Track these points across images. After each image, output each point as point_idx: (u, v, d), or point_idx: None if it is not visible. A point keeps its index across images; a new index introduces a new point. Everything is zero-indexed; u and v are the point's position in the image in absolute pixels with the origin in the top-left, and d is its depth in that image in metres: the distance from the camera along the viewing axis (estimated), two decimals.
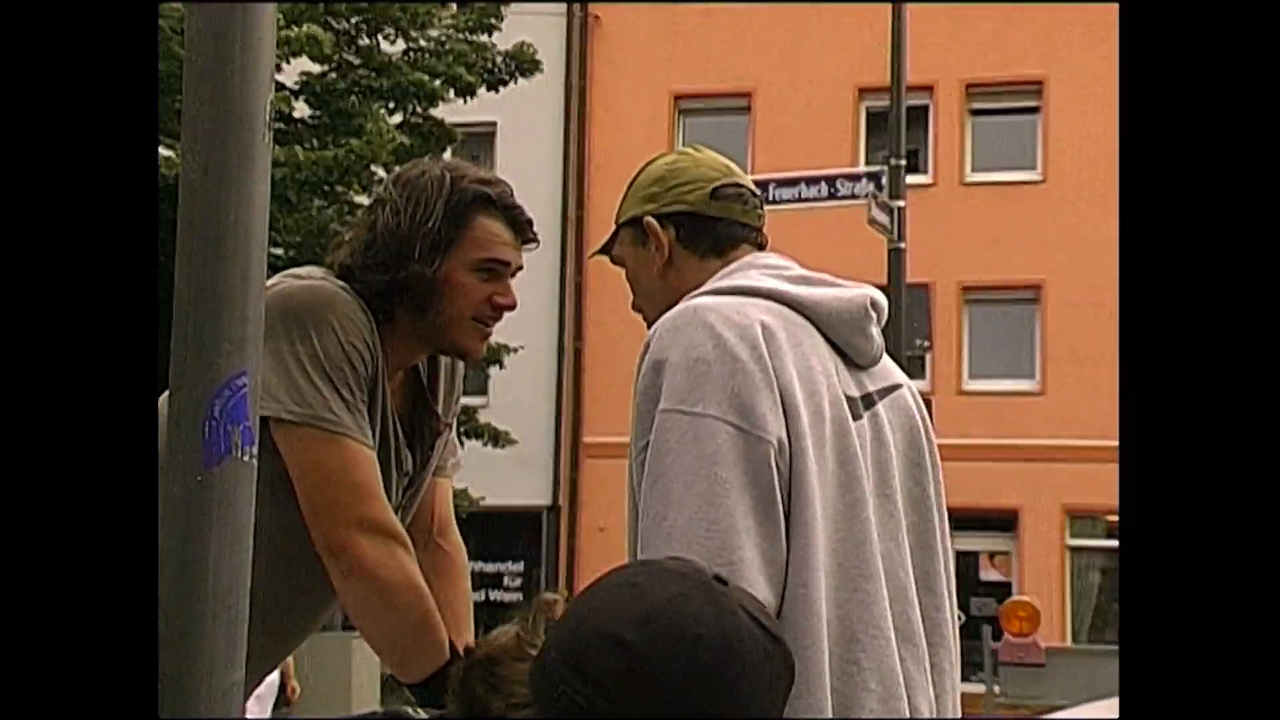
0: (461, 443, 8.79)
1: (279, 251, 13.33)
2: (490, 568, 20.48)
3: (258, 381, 1.41)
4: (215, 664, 1.37)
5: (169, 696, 1.35)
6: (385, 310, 2.28)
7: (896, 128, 12.01)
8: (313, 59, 14.60)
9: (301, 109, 15.26)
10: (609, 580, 1.62)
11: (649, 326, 1.98)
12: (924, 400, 2.20)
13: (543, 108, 20.77)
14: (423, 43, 15.80)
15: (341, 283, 2.27)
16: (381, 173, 14.28)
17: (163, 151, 9.54)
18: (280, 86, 13.83)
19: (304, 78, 15.31)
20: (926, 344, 13.31)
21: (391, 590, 2.18)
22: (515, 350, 16.80)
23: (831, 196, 12.06)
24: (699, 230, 2.07)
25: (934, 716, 1.95)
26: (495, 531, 19.49)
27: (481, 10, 15.90)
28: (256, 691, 6.49)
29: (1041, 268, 19.35)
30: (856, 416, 1.94)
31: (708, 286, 1.99)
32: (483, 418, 17.55)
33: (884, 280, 11.34)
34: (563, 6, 20.99)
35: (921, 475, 2.05)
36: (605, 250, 2.18)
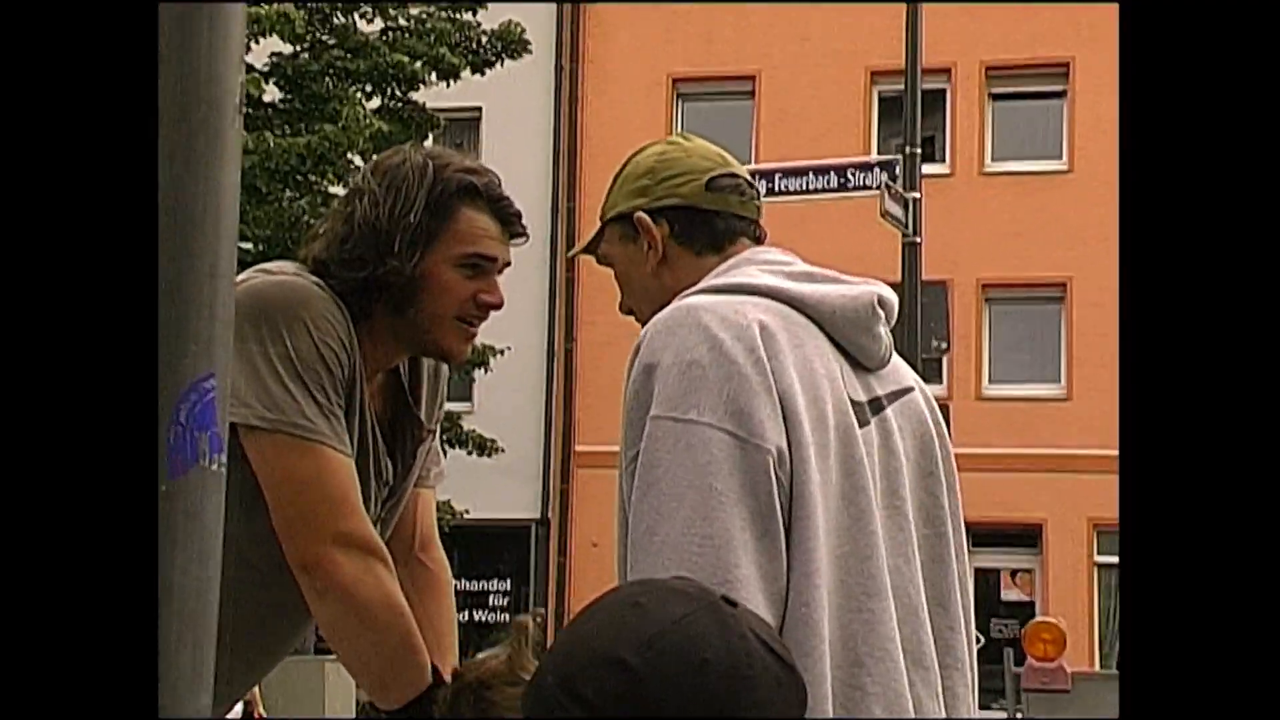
0: (444, 451, 8.79)
1: (248, 245, 13.35)
2: (475, 585, 20.49)
3: (227, 385, 1.41)
4: (179, 688, 1.37)
5: None
6: (363, 308, 2.28)
7: (911, 113, 12.03)
8: (284, 38, 14.63)
9: (272, 92, 15.28)
10: (609, 600, 1.61)
11: (643, 327, 1.97)
12: (941, 406, 2.20)
13: (532, 91, 20.80)
14: (402, 21, 15.83)
15: (316, 279, 2.27)
16: (358, 161, 14.32)
17: None
18: (249, 68, 13.85)
19: (274, 59, 15.33)
20: (944, 345, 13.30)
21: (369, 609, 2.18)
22: (502, 352, 16.82)
23: (842, 188, 12.07)
24: (694, 225, 2.06)
25: None
26: (480, 547, 19.51)
27: None
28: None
29: (1067, 264, 19.38)
30: (863, 422, 1.93)
31: (703, 284, 1.98)
32: (467, 424, 17.57)
33: (898, 277, 11.35)
34: None
35: (935, 486, 2.04)
36: (590, 248, 2.17)
